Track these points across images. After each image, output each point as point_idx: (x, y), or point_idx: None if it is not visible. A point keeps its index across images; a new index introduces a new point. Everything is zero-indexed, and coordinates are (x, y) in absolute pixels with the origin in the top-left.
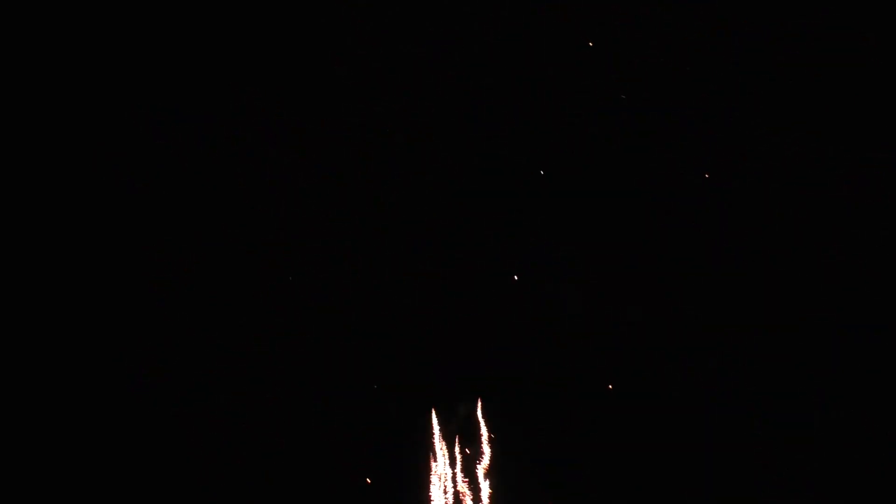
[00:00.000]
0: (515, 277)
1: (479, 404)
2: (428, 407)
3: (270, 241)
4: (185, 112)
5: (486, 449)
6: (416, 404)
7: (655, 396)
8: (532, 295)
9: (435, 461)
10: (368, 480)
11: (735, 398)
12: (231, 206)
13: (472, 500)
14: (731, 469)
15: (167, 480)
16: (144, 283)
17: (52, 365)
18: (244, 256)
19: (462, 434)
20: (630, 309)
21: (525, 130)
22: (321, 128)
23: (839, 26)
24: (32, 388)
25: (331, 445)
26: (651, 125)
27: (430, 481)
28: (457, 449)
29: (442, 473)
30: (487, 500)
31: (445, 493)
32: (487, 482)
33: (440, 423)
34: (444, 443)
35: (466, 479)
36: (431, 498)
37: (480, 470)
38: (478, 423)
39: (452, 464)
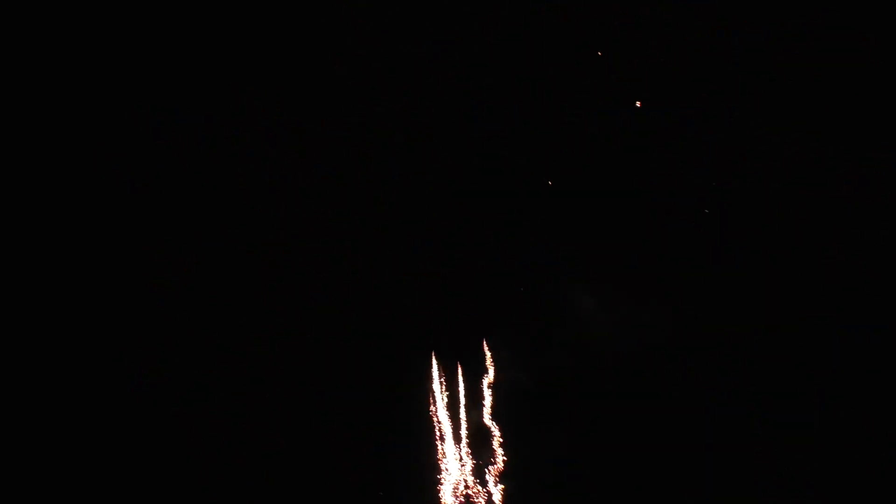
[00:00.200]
0: (522, 289)
1: (488, 407)
2: (432, 408)
3: (270, 240)
4: (185, 112)
5: (498, 452)
6: (418, 405)
7: (656, 396)
8: (532, 295)
9: (444, 457)
10: (381, 493)
11: (735, 398)
12: (231, 206)
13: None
14: (731, 469)
15: (167, 480)
16: (144, 283)
17: (53, 365)
18: (244, 256)
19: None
20: (630, 309)
21: (525, 130)
22: (321, 128)
23: (839, 26)
24: (33, 387)
25: (331, 446)
26: (651, 125)
27: (441, 483)
28: (466, 452)
29: (452, 474)
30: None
31: (456, 495)
32: (499, 486)
33: (448, 425)
34: (453, 444)
35: (476, 481)
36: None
37: (491, 473)
38: (487, 425)
39: (461, 465)
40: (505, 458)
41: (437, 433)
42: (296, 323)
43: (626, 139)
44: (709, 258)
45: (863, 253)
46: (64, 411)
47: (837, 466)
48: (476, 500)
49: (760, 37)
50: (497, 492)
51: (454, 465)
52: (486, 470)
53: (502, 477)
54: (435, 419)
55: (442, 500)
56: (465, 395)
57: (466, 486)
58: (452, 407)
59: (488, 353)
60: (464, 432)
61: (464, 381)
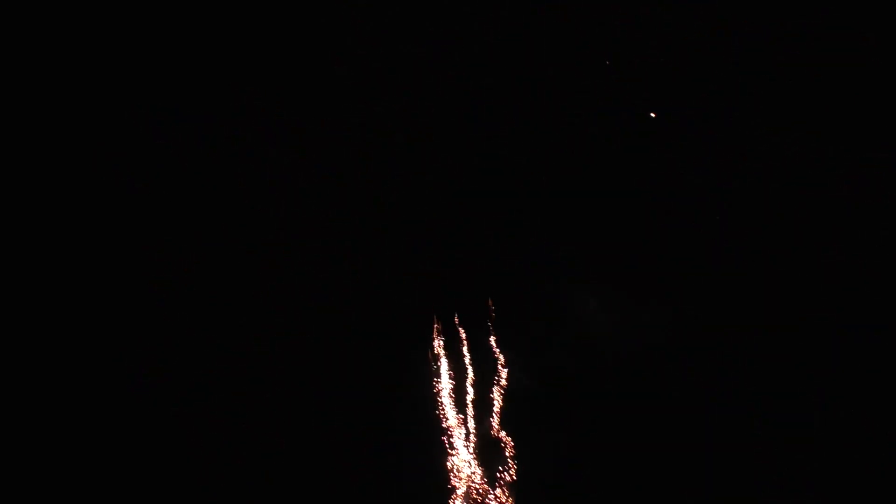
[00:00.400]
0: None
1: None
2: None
3: (270, 240)
4: (186, 112)
5: (498, 452)
6: (417, 405)
7: (656, 396)
8: (532, 295)
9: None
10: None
11: (735, 398)
12: (231, 206)
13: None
14: (732, 469)
15: (167, 480)
16: (144, 282)
17: (52, 365)
18: (244, 256)
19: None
20: (630, 309)
21: (525, 130)
22: (321, 128)
23: (839, 26)
24: (33, 387)
25: (330, 446)
26: (651, 125)
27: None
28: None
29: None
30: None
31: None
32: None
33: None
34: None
35: (476, 480)
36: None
37: (491, 473)
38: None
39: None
40: (504, 458)
41: (437, 433)
42: (296, 323)
43: (626, 139)
44: (709, 258)
45: (863, 253)
46: (63, 411)
47: (837, 466)
48: (476, 500)
49: (760, 37)
50: (497, 491)
51: (454, 465)
52: (486, 470)
53: (502, 477)
54: (434, 419)
55: (441, 500)
56: (464, 396)
57: (466, 486)
58: (451, 407)
59: (488, 354)
60: (463, 432)
61: (463, 382)
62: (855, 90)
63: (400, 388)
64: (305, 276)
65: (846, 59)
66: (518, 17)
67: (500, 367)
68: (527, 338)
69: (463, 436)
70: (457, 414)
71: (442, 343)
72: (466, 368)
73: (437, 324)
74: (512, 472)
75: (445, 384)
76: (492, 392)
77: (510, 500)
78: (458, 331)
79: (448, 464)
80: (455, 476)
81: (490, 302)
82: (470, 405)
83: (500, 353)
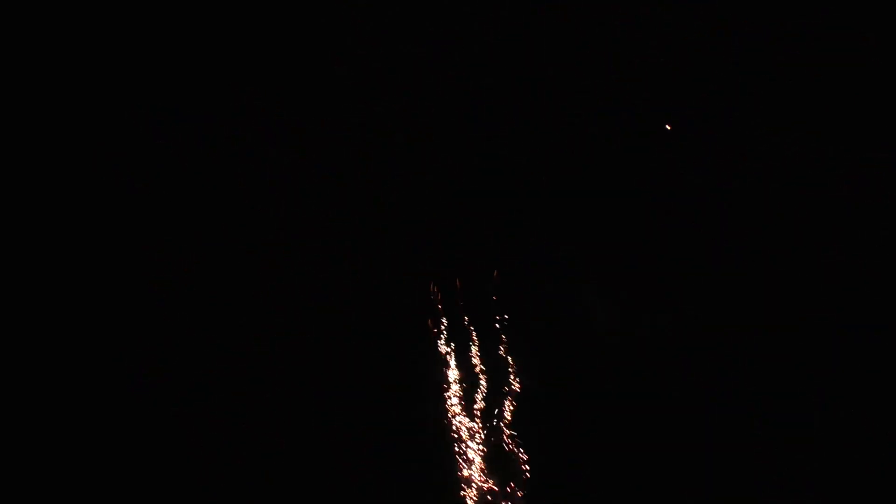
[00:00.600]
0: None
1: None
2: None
3: (270, 240)
4: (186, 112)
5: (497, 452)
6: (417, 405)
7: (656, 396)
8: (532, 295)
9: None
10: None
11: (735, 398)
12: (231, 206)
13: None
14: (732, 469)
15: (167, 480)
16: (144, 282)
17: (51, 365)
18: (244, 256)
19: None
20: (630, 309)
21: (525, 130)
22: (321, 128)
23: (839, 26)
24: (33, 387)
25: (330, 446)
26: (651, 125)
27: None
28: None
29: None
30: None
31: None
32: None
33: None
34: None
35: (476, 480)
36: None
37: (491, 473)
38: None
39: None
40: (504, 458)
41: (437, 433)
42: (296, 323)
43: (626, 139)
44: (709, 258)
45: (863, 253)
46: (63, 411)
47: (837, 466)
48: (475, 500)
49: (760, 37)
50: (497, 491)
51: (454, 465)
52: (486, 470)
53: (502, 476)
54: (434, 420)
55: (441, 500)
56: (464, 396)
57: (466, 486)
58: (451, 407)
59: (488, 354)
60: (463, 433)
61: (463, 382)
62: (855, 90)
63: (400, 389)
64: (305, 275)
65: (846, 59)
66: (518, 17)
67: (500, 366)
68: (527, 338)
69: (461, 435)
70: (457, 414)
71: (442, 343)
72: (466, 368)
73: (437, 324)
74: (511, 470)
75: (445, 384)
76: (492, 392)
77: (510, 498)
78: (458, 331)
79: (449, 464)
80: (457, 476)
81: (490, 302)
82: (470, 405)
83: (499, 352)
